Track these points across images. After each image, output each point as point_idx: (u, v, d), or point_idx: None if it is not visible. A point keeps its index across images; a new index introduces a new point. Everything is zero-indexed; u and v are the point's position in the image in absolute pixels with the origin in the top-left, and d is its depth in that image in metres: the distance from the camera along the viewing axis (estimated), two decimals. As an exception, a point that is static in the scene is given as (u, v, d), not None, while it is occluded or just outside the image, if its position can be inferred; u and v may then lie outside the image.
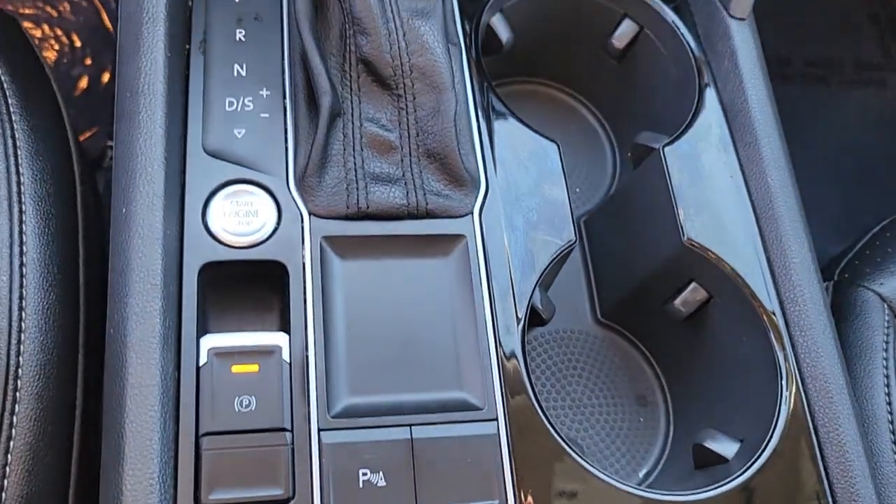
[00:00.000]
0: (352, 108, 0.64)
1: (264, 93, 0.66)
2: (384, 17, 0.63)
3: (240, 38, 0.68)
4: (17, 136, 0.68)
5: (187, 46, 0.67)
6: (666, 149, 0.71)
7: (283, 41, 0.68)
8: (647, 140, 0.77)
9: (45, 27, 1.57)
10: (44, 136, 0.70)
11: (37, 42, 1.54)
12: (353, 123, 0.64)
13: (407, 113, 0.64)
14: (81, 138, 1.47)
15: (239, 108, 0.65)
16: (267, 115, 0.65)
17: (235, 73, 0.66)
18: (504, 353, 0.60)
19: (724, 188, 0.70)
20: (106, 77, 1.52)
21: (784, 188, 0.70)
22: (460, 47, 0.71)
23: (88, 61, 1.54)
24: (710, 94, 0.75)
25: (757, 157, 0.71)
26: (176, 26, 0.65)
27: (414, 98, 0.64)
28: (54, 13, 1.57)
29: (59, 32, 1.55)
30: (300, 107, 0.64)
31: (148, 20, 0.63)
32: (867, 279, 0.82)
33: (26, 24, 1.55)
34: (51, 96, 0.76)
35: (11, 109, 0.69)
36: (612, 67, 0.85)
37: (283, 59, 0.67)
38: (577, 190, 0.88)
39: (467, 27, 0.73)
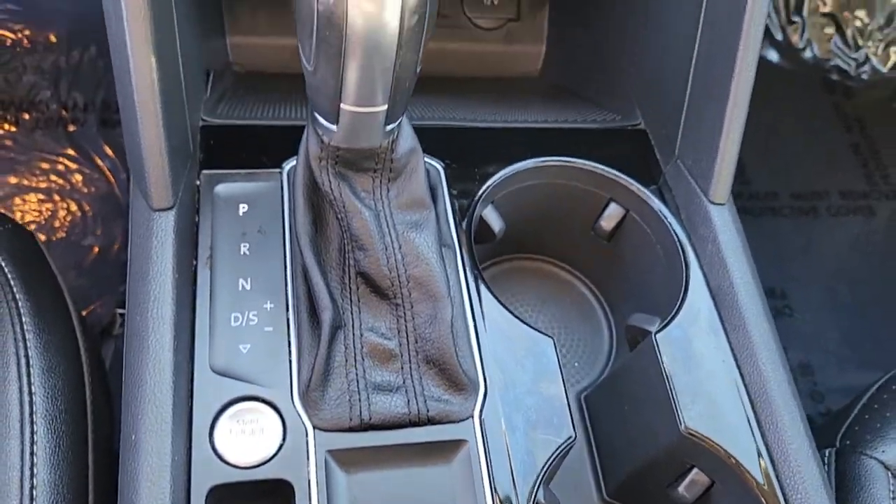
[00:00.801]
0: (352, 319, 0.67)
1: (268, 306, 0.69)
2: (380, 232, 0.67)
3: (244, 252, 0.71)
4: (30, 354, 0.71)
5: (194, 262, 0.71)
6: (658, 336, 0.73)
7: (285, 253, 0.72)
8: (640, 322, 0.80)
9: (57, 197, 1.64)
10: (56, 351, 0.73)
11: (49, 213, 1.61)
12: (353, 334, 0.66)
13: (405, 321, 0.67)
14: (91, 307, 1.51)
15: (244, 324, 0.67)
16: (271, 328, 0.67)
17: (240, 288, 0.69)
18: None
19: (718, 373, 0.72)
20: (116, 246, 1.57)
21: (776, 371, 0.72)
22: (454, 249, 0.74)
23: (99, 231, 1.59)
24: (697, 277, 0.78)
25: (747, 340, 0.73)
26: (184, 247, 0.69)
27: (412, 307, 0.67)
28: (67, 185, 1.63)
29: (71, 204, 1.62)
30: (303, 319, 0.67)
31: (157, 245, 0.67)
32: (869, 446, 0.82)
33: (39, 196, 1.62)
34: (63, 306, 0.79)
35: (25, 328, 0.72)
36: (603, 247, 0.88)
37: (285, 271, 0.70)
38: (577, 364, 0.89)
39: (460, 229, 0.77)
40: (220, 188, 0.75)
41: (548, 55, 1.15)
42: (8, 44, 1.75)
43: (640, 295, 0.85)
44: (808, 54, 2.09)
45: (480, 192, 0.80)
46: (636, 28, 0.93)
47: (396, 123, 0.63)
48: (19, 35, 1.76)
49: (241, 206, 0.74)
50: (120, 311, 1.53)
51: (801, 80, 2.07)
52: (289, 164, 0.77)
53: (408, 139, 0.68)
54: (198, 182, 0.75)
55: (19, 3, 1.79)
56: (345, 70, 0.55)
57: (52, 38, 1.78)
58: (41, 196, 1.63)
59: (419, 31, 0.55)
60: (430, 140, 0.81)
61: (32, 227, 1.58)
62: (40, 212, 1.60)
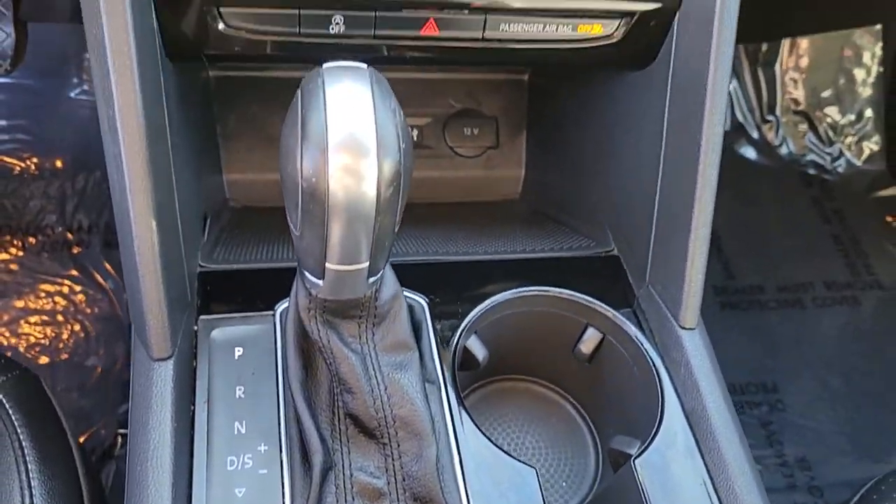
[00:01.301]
0: (342, 459, 0.70)
1: (262, 448, 0.72)
2: (366, 375, 0.71)
3: (239, 396, 0.75)
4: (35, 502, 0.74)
5: (192, 407, 0.74)
6: (637, 461, 0.76)
7: (278, 395, 0.75)
8: (621, 445, 0.83)
9: (61, 318, 1.68)
10: (60, 497, 0.76)
11: (53, 335, 1.65)
12: (343, 474, 0.69)
13: (393, 460, 0.70)
14: (94, 428, 1.53)
15: (239, 467, 0.71)
16: (265, 471, 0.71)
17: (236, 431, 0.73)
18: None
19: (697, 496, 0.75)
20: (118, 366, 1.61)
21: (751, 493, 0.75)
22: (438, 385, 0.78)
23: (101, 351, 1.63)
24: (672, 400, 0.81)
25: (722, 463, 0.76)
26: (182, 394, 0.73)
27: (398, 445, 0.70)
28: (70, 307, 1.68)
29: (74, 325, 1.66)
30: (296, 461, 0.70)
31: (157, 394, 0.71)
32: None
33: (44, 318, 1.67)
34: (67, 451, 0.83)
35: (31, 477, 0.75)
36: (584, 368, 0.92)
37: (279, 413, 0.74)
38: (564, 484, 0.92)
39: (444, 363, 0.81)
40: (216, 333, 0.79)
41: (527, 180, 1.22)
42: (16, 172, 1.83)
43: (621, 415, 0.89)
44: (784, 151, 2.18)
45: (463, 324, 0.84)
46: (604, 158, 0.99)
47: (378, 276, 0.68)
48: (27, 163, 1.84)
49: (237, 349, 0.78)
50: (121, 431, 1.55)
51: (779, 175, 2.15)
52: (281, 307, 0.82)
53: (390, 286, 0.72)
54: (195, 328, 0.80)
55: (28, 132, 1.89)
56: (328, 236, 0.60)
57: (59, 164, 1.87)
58: (45, 318, 1.67)
59: (395, 200, 0.60)
60: (414, 275, 0.86)
61: (37, 349, 1.62)
62: (45, 334, 1.64)
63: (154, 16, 0.74)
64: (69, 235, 1.78)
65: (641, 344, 0.85)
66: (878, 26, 2.09)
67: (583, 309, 0.89)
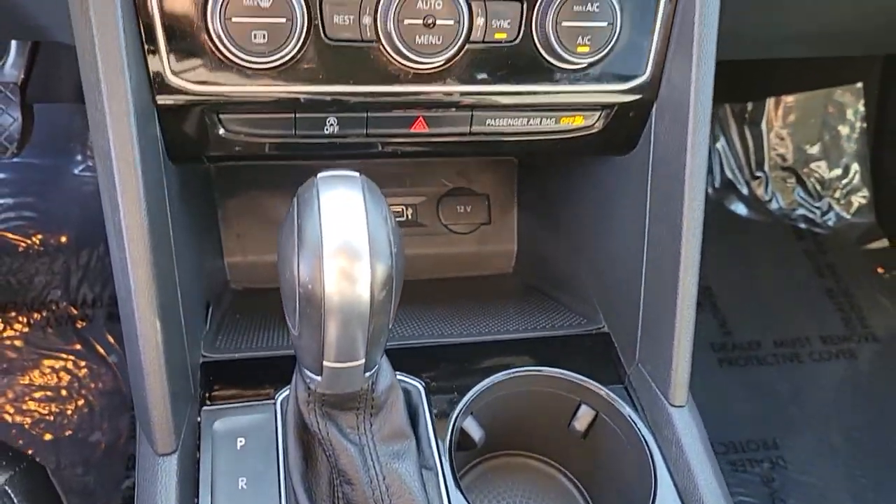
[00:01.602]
0: None
1: (265, 540, 0.74)
2: (365, 466, 0.73)
3: (242, 487, 0.77)
4: None
5: (196, 500, 0.76)
6: None
7: (279, 485, 0.77)
8: (616, 525, 0.84)
9: (65, 393, 1.70)
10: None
11: (58, 411, 1.67)
12: None
13: (392, 549, 0.72)
14: (97, 505, 1.54)
15: (243, 559, 0.72)
16: (268, 562, 0.72)
17: (239, 522, 0.75)
18: None
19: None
20: (122, 440, 1.63)
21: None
22: (436, 470, 0.80)
23: (105, 426, 1.65)
24: (664, 478, 0.83)
25: (715, 539, 0.78)
26: (186, 487, 0.75)
27: None
28: (75, 382, 1.70)
29: (78, 400, 1.68)
30: None
31: (161, 490, 0.73)
32: None
33: (48, 394, 1.69)
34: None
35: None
36: (580, 443, 0.94)
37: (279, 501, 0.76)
38: None
39: (441, 446, 0.83)
40: (219, 424, 0.82)
41: (519, 254, 1.25)
42: (21, 249, 1.87)
43: (617, 490, 0.90)
44: (774, 206, 2.22)
45: (459, 406, 0.86)
46: (591, 237, 1.03)
47: (374, 369, 0.71)
48: (32, 240, 1.88)
49: (239, 440, 0.81)
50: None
51: (771, 230, 2.19)
52: (281, 395, 0.84)
53: (386, 377, 0.75)
54: (199, 419, 0.82)
55: (34, 209, 1.94)
56: (325, 337, 0.63)
57: (63, 240, 1.91)
58: (50, 393, 1.69)
59: (388, 301, 0.63)
60: (411, 359, 0.89)
61: (41, 426, 1.64)
62: (49, 411, 1.66)
63: (157, 124, 0.78)
64: (73, 310, 1.81)
65: (634, 423, 0.87)
66: (859, 84, 2.15)
67: (575, 387, 0.91)
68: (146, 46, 0.73)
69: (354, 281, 0.60)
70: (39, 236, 1.90)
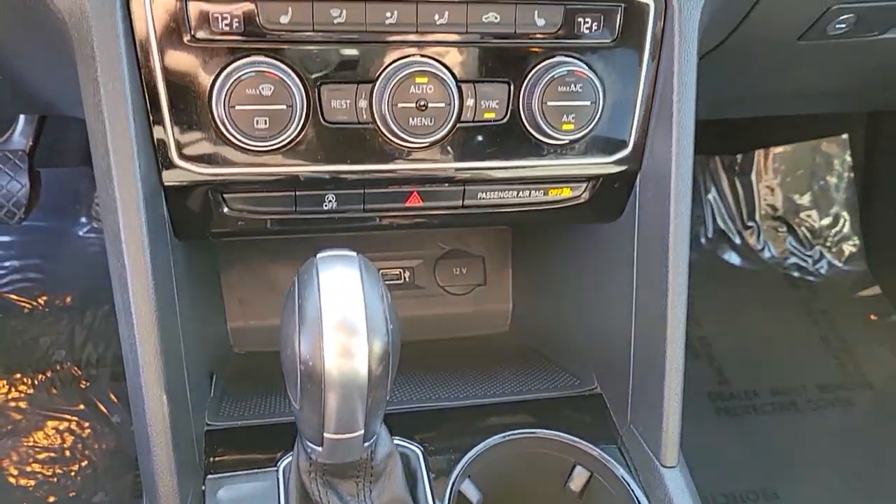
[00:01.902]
0: None
1: None
2: None
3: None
4: None
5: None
6: None
7: None
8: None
9: (68, 454, 1.71)
10: None
11: (61, 472, 1.68)
12: None
13: None
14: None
15: None
16: None
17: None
18: None
19: None
20: (125, 501, 1.64)
21: None
22: None
23: (109, 486, 1.66)
24: (661, 539, 0.85)
25: None
26: None
27: None
28: (78, 443, 1.72)
29: (82, 461, 1.69)
30: None
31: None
32: None
33: (52, 455, 1.70)
34: None
35: None
36: (578, 503, 0.96)
37: None
38: None
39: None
40: (223, 493, 0.84)
41: (514, 314, 1.28)
42: (26, 311, 1.90)
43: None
44: (767, 254, 2.26)
45: (456, 470, 0.89)
46: (583, 299, 1.06)
47: (373, 439, 0.73)
48: (38, 302, 1.92)
49: (242, 508, 0.83)
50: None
51: (764, 278, 2.22)
52: (284, 462, 0.87)
53: (385, 445, 0.78)
54: (203, 487, 0.84)
55: (40, 271, 1.97)
56: (325, 409, 0.66)
57: (68, 300, 1.94)
58: (53, 454, 1.71)
59: (385, 375, 0.66)
60: (409, 423, 0.92)
61: (45, 488, 1.65)
62: (53, 472, 1.67)
63: (164, 204, 0.82)
64: (77, 370, 1.83)
65: (627, 483, 0.89)
66: (845, 136, 2.20)
67: (569, 449, 0.93)
68: (154, 133, 0.78)
69: (352, 356, 0.64)
70: (45, 297, 1.93)
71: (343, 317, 0.64)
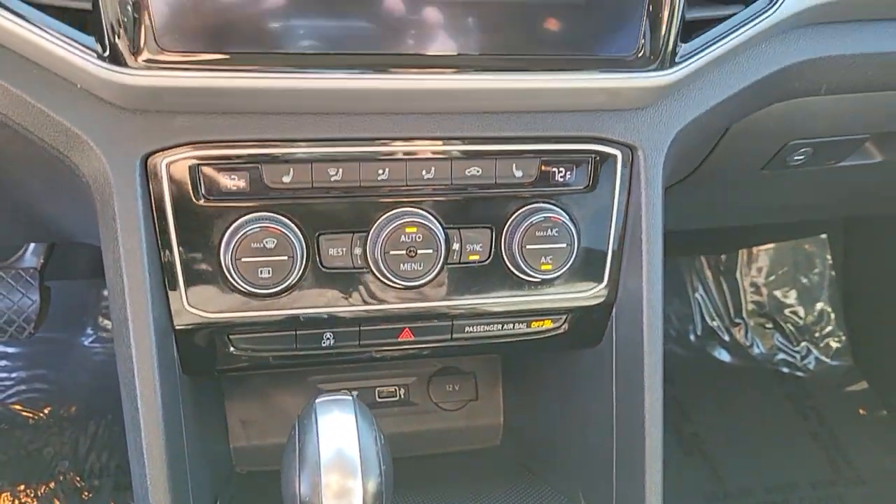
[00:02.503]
0: None
1: None
2: None
3: None
4: None
5: None
6: None
7: None
8: None
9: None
10: None
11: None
12: None
13: None
14: None
15: None
16: None
17: None
18: None
19: None
20: None
21: None
22: None
23: None
24: None
25: None
26: None
27: None
28: (80, 555, 1.74)
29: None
30: None
31: None
32: None
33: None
34: None
35: None
36: None
37: None
38: None
39: None
40: None
41: (506, 428, 1.34)
42: (31, 422, 1.95)
43: None
44: (755, 351, 2.31)
45: None
46: (568, 418, 1.12)
47: None
48: (43, 413, 1.96)
49: None
50: None
51: (754, 375, 2.27)
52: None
53: None
54: None
55: (45, 381, 2.02)
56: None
57: (73, 410, 1.99)
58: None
59: None
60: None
61: None
62: (54, 585, 1.69)
63: (174, 345, 0.89)
64: (79, 481, 1.86)
65: None
66: (824, 235, 2.29)
67: (558, 569, 0.98)
68: (168, 283, 0.85)
69: (349, 495, 0.70)
70: (49, 408, 1.98)
71: (340, 459, 0.71)
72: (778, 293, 2.35)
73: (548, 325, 0.98)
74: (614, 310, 0.98)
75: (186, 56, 0.74)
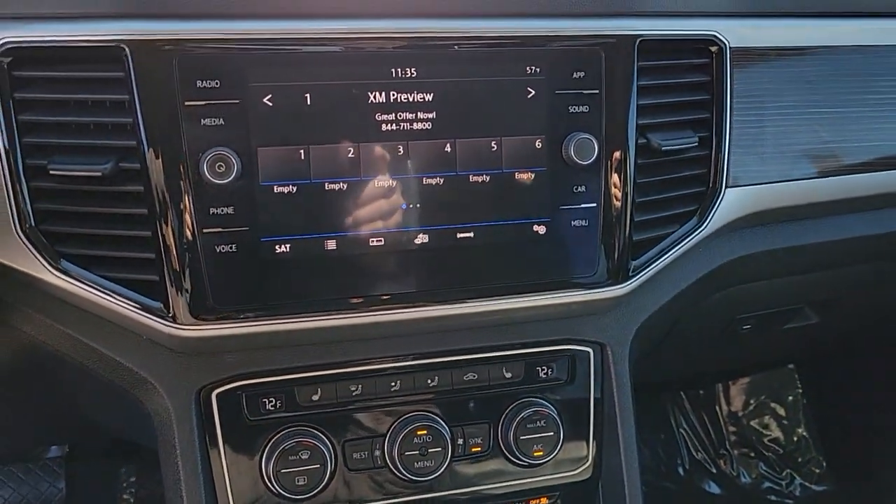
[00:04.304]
0: None
1: None
2: None
3: None
4: None
5: None
6: None
7: None
8: None
9: None
10: None
11: None
12: None
13: None
14: None
15: None
16: None
17: None
18: None
19: None
20: None
21: None
22: None
23: None
24: None
25: None
26: None
27: None
28: None
29: None
30: None
31: None
32: None
33: None
34: None
35: None
36: None
37: None
38: None
39: None
40: None
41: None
42: None
43: None
44: (742, 480, 2.43)
45: None
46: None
47: None
48: None
49: None
50: None
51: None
52: None
53: None
54: None
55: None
56: None
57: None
58: None
59: None
60: None
61: None
62: None
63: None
64: None
65: None
66: (791, 366, 2.46)
67: None
68: (218, 495, 1.00)
69: None
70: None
71: None
72: (755, 423, 2.49)
73: (544, 502, 1.13)
74: (600, 484, 1.13)
75: (234, 311, 0.93)
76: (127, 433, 1.28)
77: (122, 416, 1.15)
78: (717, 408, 2.49)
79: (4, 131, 0.85)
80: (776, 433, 2.47)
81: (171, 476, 0.97)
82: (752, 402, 2.49)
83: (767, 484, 2.41)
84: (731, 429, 2.48)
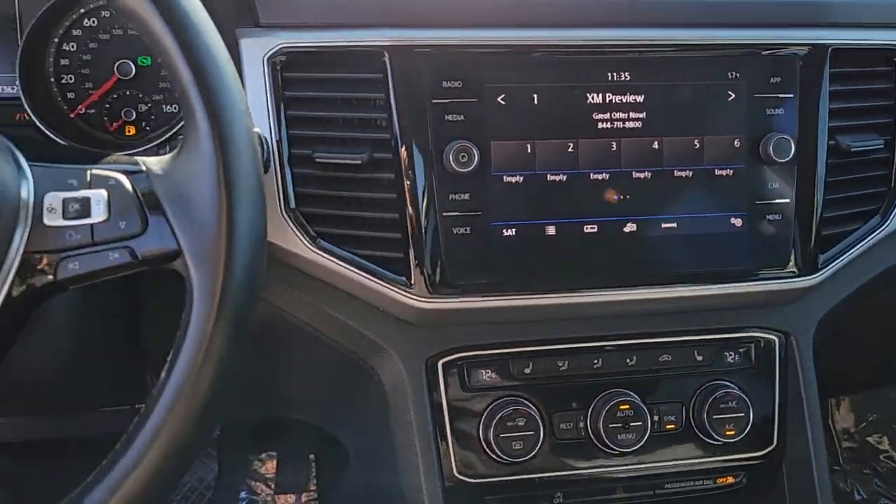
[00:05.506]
0: None
1: None
2: None
3: None
4: None
5: None
6: None
7: None
8: None
9: None
10: None
11: None
12: None
13: None
14: None
15: None
16: None
17: None
18: None
19: None
20: None
21: None
22: None
23: None
24: None
25: None
26: None
27: None
28: None
29: None
30: None
31: None
32: None
33: None
34: None
35: None
36: None
37: None
38: None
39: None
40: None
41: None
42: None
43: None
44: (857, 497, 2.44)
45: None
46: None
47: None
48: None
49: None
50: None
51: (858, 520, 2.38)
52: None
53: None
54: None
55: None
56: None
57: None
58: None
59: None
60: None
61: None
62: None
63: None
64: None
65: None
66: (908, 384, 2.47)
67: None
68: (442, 454, 1.09)
69: None
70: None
71: None
72: (870, 439, 2.50)
73: (730, 481, 1.20)
74: (784, 467, 1.20)
75: (465, 286, 1.03)
76: (318, 411, 1.39)
77: (336, 388, 1.25)
78: (831, 422, 2.50)
79: (276, 125, 0.98)
80: (892, 449, 2.47)
81: (404, 439, 1.07)
82: (866, 417, 2.50)
83: (883, 501, 2.41)
84: (845, 444, 2.49)
